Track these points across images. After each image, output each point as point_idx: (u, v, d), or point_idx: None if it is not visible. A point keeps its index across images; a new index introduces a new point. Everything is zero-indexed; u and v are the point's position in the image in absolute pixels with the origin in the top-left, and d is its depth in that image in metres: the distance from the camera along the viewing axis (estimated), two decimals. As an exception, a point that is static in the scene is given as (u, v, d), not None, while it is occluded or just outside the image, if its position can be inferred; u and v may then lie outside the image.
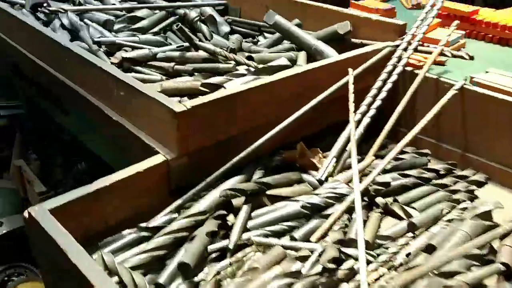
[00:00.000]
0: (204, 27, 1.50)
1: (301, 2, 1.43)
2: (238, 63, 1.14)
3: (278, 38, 1.40)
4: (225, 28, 1.57)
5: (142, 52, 1.25)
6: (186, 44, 1.27)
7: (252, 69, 1.11)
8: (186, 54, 1.23)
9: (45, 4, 1.67)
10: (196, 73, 1.19)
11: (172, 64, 1.20)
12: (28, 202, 1.91)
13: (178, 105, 0.85)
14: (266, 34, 1.52)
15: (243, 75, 1.10)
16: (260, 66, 1.10)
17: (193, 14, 1.50)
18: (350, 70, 1.09)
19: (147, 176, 0.84)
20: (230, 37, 1.38)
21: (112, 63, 1.22)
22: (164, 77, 1.20)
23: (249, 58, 1.16)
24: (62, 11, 1.53)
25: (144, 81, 1.20)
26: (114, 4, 1.65)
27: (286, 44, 1.36)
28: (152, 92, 0.91)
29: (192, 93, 1.10)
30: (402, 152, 1.10)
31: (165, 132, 0.90)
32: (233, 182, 0.90)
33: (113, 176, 0.80)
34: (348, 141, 1.02)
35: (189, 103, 0.86)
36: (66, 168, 1.91)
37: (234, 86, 1.05)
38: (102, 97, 1.09)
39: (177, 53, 1.24)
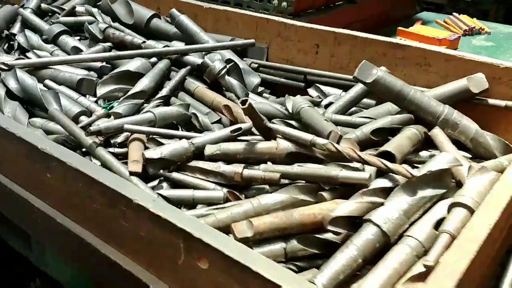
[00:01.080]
0: (235, 84, 1.00)
1: (382, 40, 0.97)
2: (365, 163, 0.66)
3: (359, 95, 0.93)
4: (255, 79, 1.07)
5: (179, 147, 0.72)
6: (245, 124, 0.76)
7: (399, 178, 0.63)
8: (256, 147, 0.72)
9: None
10: (282, 180, 0.68)
11: (239, 169, 0.69)
12: None
13: None
14: (321, 86, 1.04)
15: (389, 189, 0.62)
16: (415, 172, 0.62)
17: (218, 65, 0.99)
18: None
19: None
20: (291, 99, 0.88)
21: (131, 173, 0.68)
22: (225, 191, 0.69)
23: (388, 155, 0.68)
24: (5, 67, 0.95)
25: (194, 203, 0.68)
26: (79, 50, 1.08)
27: (382, 107, 0.90)
28: (259, 263, 0.41)
29: (297, 233, 0.60)
30: None
31: None
32: None
33: None
34: None
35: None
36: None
37: (388, 217, 0.58)
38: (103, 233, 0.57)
39: (240, 145, 0.72)
